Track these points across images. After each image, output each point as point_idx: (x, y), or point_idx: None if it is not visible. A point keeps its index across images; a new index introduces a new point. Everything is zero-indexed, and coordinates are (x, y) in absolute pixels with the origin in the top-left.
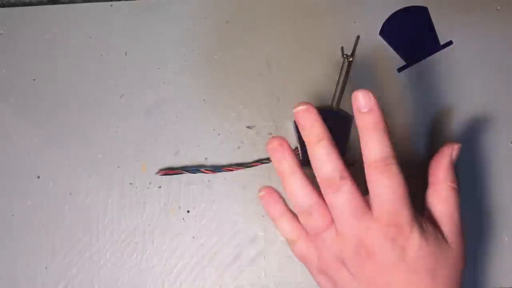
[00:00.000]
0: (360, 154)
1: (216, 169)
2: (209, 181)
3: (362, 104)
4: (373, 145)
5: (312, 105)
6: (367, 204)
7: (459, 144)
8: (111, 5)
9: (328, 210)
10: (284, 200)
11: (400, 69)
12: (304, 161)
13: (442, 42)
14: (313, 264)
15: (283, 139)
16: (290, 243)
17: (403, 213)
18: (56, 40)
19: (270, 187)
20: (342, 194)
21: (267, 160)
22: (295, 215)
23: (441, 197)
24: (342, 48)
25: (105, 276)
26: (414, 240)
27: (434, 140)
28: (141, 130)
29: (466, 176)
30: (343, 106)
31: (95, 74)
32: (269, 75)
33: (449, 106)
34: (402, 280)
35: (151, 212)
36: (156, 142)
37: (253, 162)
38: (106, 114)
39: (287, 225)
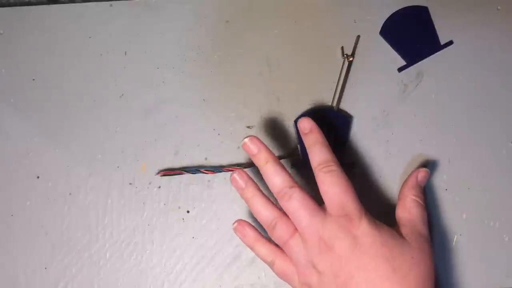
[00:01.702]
0: (361, 154)
1: (216, 169)
2: (209, 181)
3: (305, 127)
4: (316, 154)
5: (254, 136)
6: (320, 205)
7: (427, 170)
8: (111, 5)
9: (290, 220)
10: (256, 229)
11: (400, 69)
12: (304, 161)
13: (442, 42)
14: (294, 278)
15: (240, 170)
16: (270, 264)
17: (350, 205)
18: (56, 40)
19: (241, 220)
20: (295, 199)
21: None
22: (269, 239)
23: (405, 207)
24: (342, 48)
25: (105, 276)
26: (364, 228)
27: (434, 139)
28: (141, 130)
29: (466, 176)
30: (343, 106)
31: (95, 74)
32: (269, 75)
33: (449, 106)
34: (361, 266)
35: (151, 212)
36: (156, 142)
37: (253, 162)
38: (106, 114)
39: (262, 248)
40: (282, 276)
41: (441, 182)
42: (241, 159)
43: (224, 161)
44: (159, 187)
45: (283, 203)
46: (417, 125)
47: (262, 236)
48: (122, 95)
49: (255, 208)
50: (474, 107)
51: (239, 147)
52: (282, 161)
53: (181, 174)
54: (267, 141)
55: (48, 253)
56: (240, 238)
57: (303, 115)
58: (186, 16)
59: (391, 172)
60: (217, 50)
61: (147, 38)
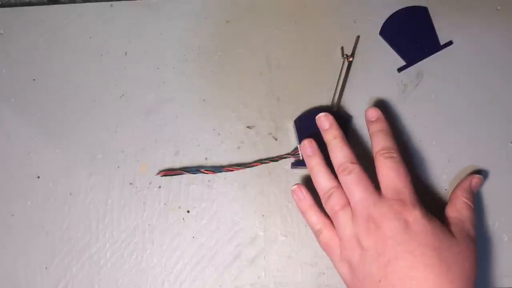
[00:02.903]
0: (360, 154)
1: (216, 169)
2: (209, 181)
3: (372, 115)
4: (379, 141)
5: (328, 113)
6: (376, 186)
7: (481, 177)
8: (111, 5)
9: (345, 194)
10: (312, 196)
11: (400, 69)
12: (304, 161)
13: (442, 42)
14: (336, 252)
15: (312, 141)
16: (317, 233)
17: (406, 192)
18: (56, 40)
19: (300, 184)
20: (353, 175)
21: (267, 160)
22: (321, 209)
23: (455, 208)
24: (342, 48)
25: (105, 276)
26: (416, 215)
27: (434, 139)
28: (141, 130)
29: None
30: (343, 106)
31: (95, 74)
32: (269, 75)
33: (449, 106)
34: (408, 251)
35: (151, 212)
36: (156, 142)
37: (253, 162)
38: (106, 114)
39: (314, 216)
40: (325, 247)
41: (441, 182)
42: (241, 159)
43: (224, 161)
44: (159, 187)
45: (342, 177)
46: (417, 125)
47: (317, 205)
48: (122, 95)
49: (316, 177)
50: (474, 107)
51: (239, 147)
52: (282, 161)
53: (181, 174)
54: (267, 141)
55: (48, 253)
56: (295, 201)
57: (303, 115)
58: (186, 16)
59: None
60: (217, 50)
61: (147, 38)
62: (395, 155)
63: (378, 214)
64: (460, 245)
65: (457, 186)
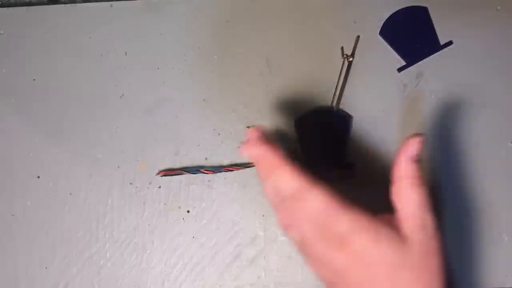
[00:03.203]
0: (360, 154)
1: (216, 169)
2: (209, 181)
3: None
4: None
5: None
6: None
7: (420, 137)
8: (111, 5)
9: None
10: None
11: (400, 69)
12: (304, 161)
13: (442, 42)
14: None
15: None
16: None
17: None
18: (56, 40)
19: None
20: None
21: None
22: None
23: (401, 195)
24: (342, 48)
25: (105, 276)
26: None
27: (434, 140)
28: (141, 130)
29: (467, 176)
30: (343, 106)
31: (96, 74)
32: (269, 75)
33: (449, 106)
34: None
35: (151, 212)
36: (156, 142)
37: (253, 162)
38: (106, 114)
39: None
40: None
41: (441, 182)
42: (241, 159)
43: (224, 161)
44: (159, 187)
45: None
46: (417, 125)
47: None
48: (122, 95)
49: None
50: (474, 107)
51: (239, 147)
52: None
53: (181, 174)
54: None
55: (48, 253)
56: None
57: (303, 115)
58: (186, 16)
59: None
60: (217, 50)
61: (147, 38)
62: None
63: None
64: (416, 253)
65: (396, 163)
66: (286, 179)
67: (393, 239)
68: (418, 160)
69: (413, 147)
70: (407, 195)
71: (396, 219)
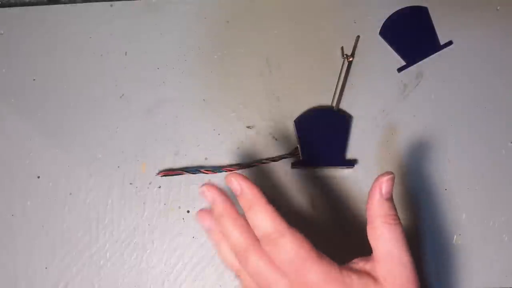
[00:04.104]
0: (360, 155)
1: (216, 169)
2: (209, 181)
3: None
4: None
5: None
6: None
7: (390, 176)
8: (111, 5)
9: None
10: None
11: (400, 69)
12: (304, 161)
13: (442, 42)
14: None
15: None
16: None
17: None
18: (57, 40)
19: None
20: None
21: (267, 160)
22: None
23: (376, 235)
24: (342, 48)
25: (105, 276)
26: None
27: (434, 139)
28: (141, 130)
29: (466, 176)
30: (343, 106)
31: (96, 74)
32: (269, 75)
33: (449, 106)
34: None
35: (151, 212)
36: (156, 142)
37: (253, 162)
38: (106, 114)
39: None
40: None
41: (441, 182)
42: (241, 159)
43: (224, 161)
44: (159, 187)
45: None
46: (417, 125)
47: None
48: (122, 95)
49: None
50: (474, 107)
51: (239, 147)
52: (282, 161)
53: (181, 174)
54: (267, 141)
55: (48, 253)
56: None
57: (303, 115)
58: (186, 16)
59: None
60: (217, 50)
61: (147, 38)
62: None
63: None
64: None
65: (368, 201)
66: (265, 217)
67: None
68: (390, 198)
69: (384, 185)
70: (381, 234)
71: (372, 260)
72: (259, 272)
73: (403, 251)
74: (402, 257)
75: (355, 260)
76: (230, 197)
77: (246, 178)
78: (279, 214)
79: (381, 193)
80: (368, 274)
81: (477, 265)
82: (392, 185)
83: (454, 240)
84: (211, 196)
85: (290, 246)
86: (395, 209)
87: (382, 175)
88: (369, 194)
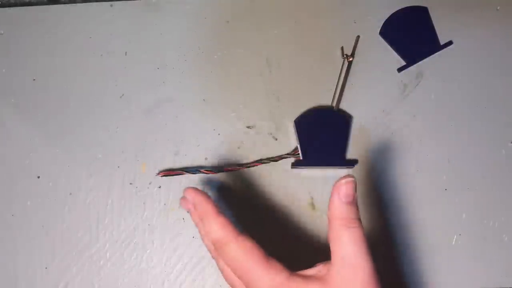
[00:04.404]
0: (360, 154)
1: (216, 169)
2: (209, 181)
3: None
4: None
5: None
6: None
7: (349, 179)
8: (111, 5)
9: None
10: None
11: (400, 69)
12: (304, 161)
13: (442, 42)
14: None
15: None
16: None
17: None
18: (57, 40)
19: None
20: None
21: (267, 160)
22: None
23: (333, 238)
24: (342, 48)
25: (105, 276)
26: None
27: (434, 139)
28: (141, 130)
29: (466, 176)
30: (343, 106)
31: (96, 74)
32: (269, 75)
33: (449, 106)
34: None
35: (151, 212)
36: (156, 142)
37: (253, 162)
38: (106, 114)
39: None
40: None
41: (441, 182)
42: (241, 159)
43: (224, 161)
44: (159, 187)
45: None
46: (417, 125)
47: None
48: (122, 95)
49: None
50: (474, 107)
51: (239, 147)
52: (282, 161)
53: (181, 174)
54: (267, 141)
55: (48, 253)
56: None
57: (303, 115)
58: (186, 16)
59: (391, 172)
60: (217, 50)
61: (147, 38)
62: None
63: None
64: None
65: (329, 202)
66: (215, 227)
67: None
68: (352, 202)
69: (342, 188)
70: (338, 237)
71: (329, 264)
72: (234, 261)
73: (360, 255)
74: (359, 261)
75: (316, 265)
76: (209, 198)
77: (199, 192)
78: (229, 223)
79: (339, 196)
80: (319, 279)
81: (477, 265)
82: (352, 188)
83: (454, 240)
84: (192, 199)
85: (236, 253)
86: (356, 213)
87: (341, 178)
88: (330, 200)
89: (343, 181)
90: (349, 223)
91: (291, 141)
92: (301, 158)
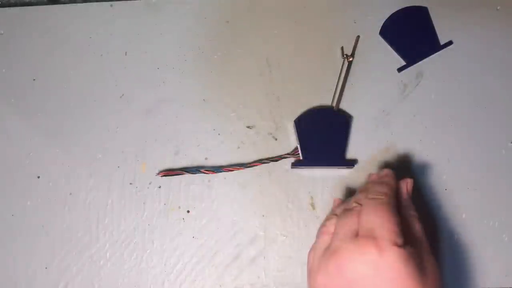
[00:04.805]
0: (360, 153)
1: (216, 169)
2: (209, 181)
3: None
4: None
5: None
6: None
7: (411, 179)
8: (111, 5)
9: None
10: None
11: (400, 69)
12: (304, 161)
13: (442, 42)
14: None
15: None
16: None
17: (383, 230)
18: (57, 40)
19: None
20: (347, 213)
21: (267, 160)
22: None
23: (409, 229)
24: (342, 48)
25: (105, 276)
26: (389, 258)
27: (434, 139)
28: (141, 130)
29: (466, 176)
30: (343, 106)
31: (96, 74)
32: (269, 75)
33: (449, 106)
34: None
35: (151, 212)
36: (156, 142)
37: (253, 162)
38: (106, 114)
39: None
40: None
41: (441, 182)
42: (241, 159)
43: (224, 161)
44: (159, 187)
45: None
46: (417, 125)
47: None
48: (123, 95)
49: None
50: (474, 107)
51: (239, 147)
52: (282, 161)
53: (181, 174)
54: (267, 141)
55: (48, 253)
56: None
57: (303, 115)
58: (186, 16)
59: None
60: (217, 50)
61: (147, 38)
62: (382, 197)
63: (345, 252)
64: (430, 275)
65: (399, 203)
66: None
67: (419, 270)
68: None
69: (409, 186)
70: (415, 226)
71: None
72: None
73: (426, 240)
74: (427, 246)
75: None
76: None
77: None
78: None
79: (408, 192)
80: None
81: (477, 265)
82: (412, 185)
83: (454, 240)
84: (390, 175)
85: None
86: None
87: (405, 178)
88: (398, 193)
89: (407, 181)
90: (416, 211)
91: (291, 141)
92: (301, 158)
